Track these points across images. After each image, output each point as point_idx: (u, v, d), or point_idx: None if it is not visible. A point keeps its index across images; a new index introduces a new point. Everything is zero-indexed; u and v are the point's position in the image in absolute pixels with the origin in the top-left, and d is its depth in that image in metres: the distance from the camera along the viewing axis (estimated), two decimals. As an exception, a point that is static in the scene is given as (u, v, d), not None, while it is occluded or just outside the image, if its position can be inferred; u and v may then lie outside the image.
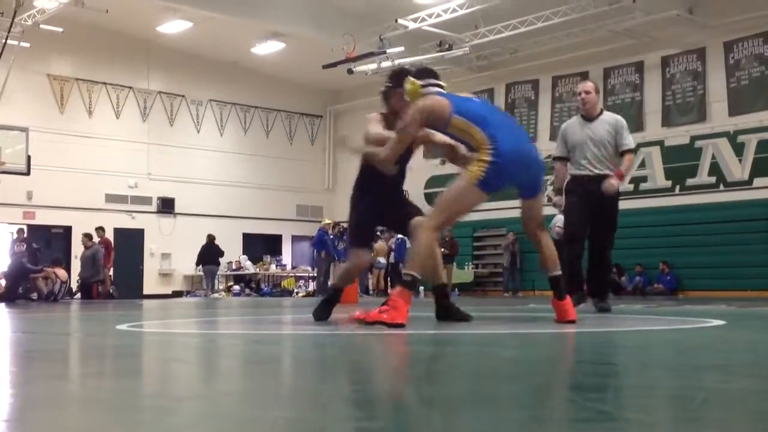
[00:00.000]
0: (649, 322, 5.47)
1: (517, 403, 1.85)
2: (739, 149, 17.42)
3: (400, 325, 4.37)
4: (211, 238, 21.37)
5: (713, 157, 17.75)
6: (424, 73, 5.11)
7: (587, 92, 6.75)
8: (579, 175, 6.73)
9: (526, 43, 19.43)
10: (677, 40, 18.38)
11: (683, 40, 18.31)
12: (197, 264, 21.68)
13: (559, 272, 5.02)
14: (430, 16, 18.21)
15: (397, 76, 5.23)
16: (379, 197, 5.31)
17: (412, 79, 4.95)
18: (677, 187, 18.24)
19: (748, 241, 16.68)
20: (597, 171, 6.62)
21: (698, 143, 18.02)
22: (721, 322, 4.99)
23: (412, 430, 1.52)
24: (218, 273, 22.41)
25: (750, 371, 2.45)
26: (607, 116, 6.85)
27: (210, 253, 21.23)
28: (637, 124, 18.29)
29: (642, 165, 18.31)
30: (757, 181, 17.06)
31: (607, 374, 2.46)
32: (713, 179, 17.74)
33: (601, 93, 18.99)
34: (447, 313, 5.23)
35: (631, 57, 19.19)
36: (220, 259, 22.08)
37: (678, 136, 18.36)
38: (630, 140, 6.76)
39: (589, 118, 6.76)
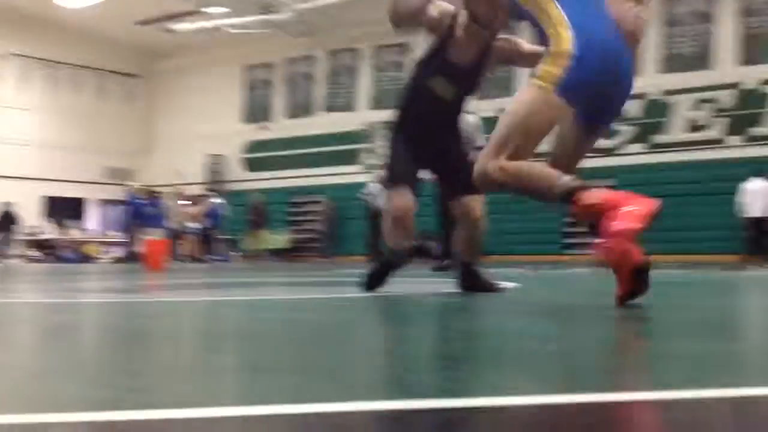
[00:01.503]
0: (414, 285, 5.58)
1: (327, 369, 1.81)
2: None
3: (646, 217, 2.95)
4: (6, 205, 20.36)
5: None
6: None
7: None
8: None
9: (351, 12, 19.42)
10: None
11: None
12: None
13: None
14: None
15: None
16: (419, 138, 4.27)
17: None
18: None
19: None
20: None
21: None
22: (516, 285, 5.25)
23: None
24: (13, 238, 21.14)
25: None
26: None
27: (4, 220, 20.28)
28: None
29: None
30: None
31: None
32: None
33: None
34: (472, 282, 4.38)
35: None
36: (18, 225, 20.94)
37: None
38: None
39: None
